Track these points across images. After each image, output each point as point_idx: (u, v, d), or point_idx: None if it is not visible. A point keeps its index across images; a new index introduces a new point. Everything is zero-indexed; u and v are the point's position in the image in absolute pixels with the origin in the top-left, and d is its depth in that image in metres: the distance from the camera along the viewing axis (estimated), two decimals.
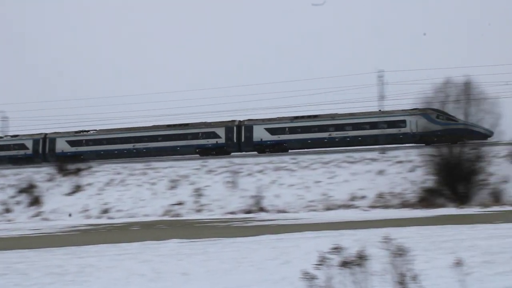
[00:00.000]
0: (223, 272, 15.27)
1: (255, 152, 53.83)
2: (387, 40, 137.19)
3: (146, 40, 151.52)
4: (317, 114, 53.98)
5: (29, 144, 59.91)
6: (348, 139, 51.89)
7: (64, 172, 49.74)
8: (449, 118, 49.37)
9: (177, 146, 55.68)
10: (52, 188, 47.78)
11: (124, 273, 15.50)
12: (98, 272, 16.02)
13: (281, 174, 44.12)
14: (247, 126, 55.27)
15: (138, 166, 50.33)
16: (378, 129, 50.72)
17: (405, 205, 37.78)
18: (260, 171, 45.01)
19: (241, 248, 19.93)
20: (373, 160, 44.03)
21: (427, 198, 37.81)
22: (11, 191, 47.99)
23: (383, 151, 46.18)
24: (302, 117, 54.49)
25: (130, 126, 58.41)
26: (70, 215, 43.30)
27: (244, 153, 54.52)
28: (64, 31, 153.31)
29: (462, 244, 18.75)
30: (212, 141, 55.26)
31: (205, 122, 56.66)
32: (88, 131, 59.75)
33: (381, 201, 38.80)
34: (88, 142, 58.46)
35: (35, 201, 45.70)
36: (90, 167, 50.65)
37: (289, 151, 52.50)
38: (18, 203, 46.14)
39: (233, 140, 55.25)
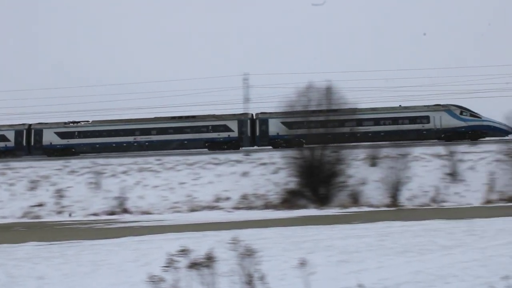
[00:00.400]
0: (81, 275, 14.74)
1: (270, 147, 51.30)
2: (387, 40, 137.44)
3: (145, 37, 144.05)
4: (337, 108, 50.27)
5: (10, 135, 54.62)
6: (370, 134, 50.17)
7: None
8: (472, 114, 51.00)
9: (185, 140, 52.09)
10: None
11: None
12: None
13: (146, 175, 43.35)
14: (262, 119, 52.68)
15: None
16: (401, 125, 50.15)
17: (268, 206, 38.26)
18: (124, 172, 43.96)
19: (101, 251, 19.41)
20: (238, 162, 44.30)
21: (290, 200, 38.49)
22: None
23: (247, 153, 46.64)
24: (320, 111, 51.76)
25: (129, 118, 54.25)
26: (70, 215, 39.31)
27: (258, 147, 51.99)
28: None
29: (321, 244, 19.27)
30: (224, 134, 52.51)
31: (214, 115, 53.61)
32: (79, 122, 55.62)
33: (245, 203, 39.06)
34: (81, 134, 54.13)
35: None
36: None
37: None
38: None
39: (247, 134, 52.88)
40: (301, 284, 10.00)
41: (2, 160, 49.36)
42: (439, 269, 13.77)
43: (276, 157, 42.82)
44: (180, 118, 53.23)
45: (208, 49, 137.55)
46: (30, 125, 55.20)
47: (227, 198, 39.52)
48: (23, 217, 38.47)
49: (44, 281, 14.15)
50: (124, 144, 52.79)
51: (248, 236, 22.23)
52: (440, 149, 42.05)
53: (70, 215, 38.89)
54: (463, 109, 50.95)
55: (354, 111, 48.20)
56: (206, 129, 52.43)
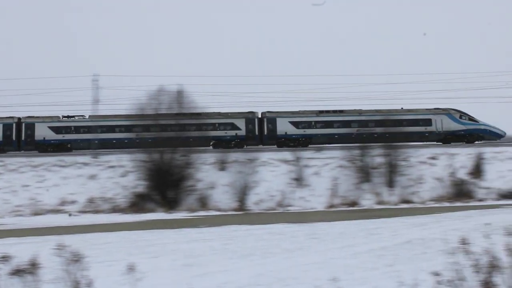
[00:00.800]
0: None
1: (275, 146, 50.64)
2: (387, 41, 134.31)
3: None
4: (342, 109, 52.53)
5: None
6: (376, 135, 47.75)
7: None
8: (471, 118, 52.37)
9: (190, 137, 46.51)
10: None
11: None
12: None
13: None
14: (269, 118, 51.94)
15: None
16: (405, 127, 49.50)
17: (116, 210, 37.47)
18: None
19: None
20: (85, 164, 42.94)
21: (138, 203, 37.93)
22: None
23: (95, 155, 45.33)
24: (327, 111, 52.46)
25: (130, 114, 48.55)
26: (70, 215, 36.91)
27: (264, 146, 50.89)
28: None
29: (167, 248, 19.09)
30: (231, 133, 50.99)
31: (220, 112, 51.81)
32: (74, 116, 51.56)
33: (92, 206, 37.99)
34: (79, 129, 50.30)
35: None
36: None
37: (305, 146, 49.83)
38: None
39: (255, 132, 51.63)
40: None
41: None
42: (280, 272, 14.03)
43: (125, 160, 41.97)
44: (184, 115, 48.41)
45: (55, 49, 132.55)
46: (19, 118, 50.84)
47: (73, 202, 38.30)
48: None
49: None
50: (126, 141, 48.95)
51: (91, 240, 21.66)
52: (287, 155, 43.18)
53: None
54: (462, 113, 52.72)
55: (360, 112, 51.37)
56: (213, 127, 50.71)
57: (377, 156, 42.19)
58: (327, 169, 41.96)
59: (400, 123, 49.61)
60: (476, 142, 51.31)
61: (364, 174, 40.97)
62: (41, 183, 40.47)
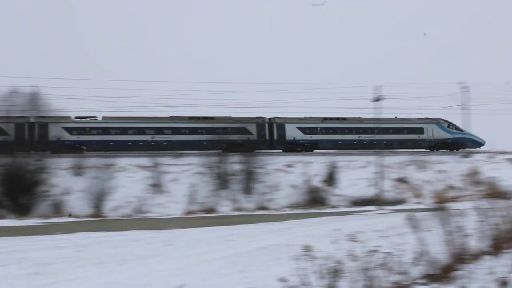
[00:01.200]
0: None
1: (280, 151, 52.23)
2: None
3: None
4: (344, 116, 55.19)
5: (10, 129, 45.91)
6: (375, 142, 52.16)
7: None
8: (457, 128, 57.25)
9: (204, 141, 49.48)
10: None
11: None
12: None
13: None
14: (279, 124, 53.64)
15: None
16: (401, 134, 54.99)
17: None
18: None
19: None
20: None
21: None
22: None
23: None
24: (331, 118, 54.89)
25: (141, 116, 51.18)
26: (70, 215, 36.36)
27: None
28: None
29: (15, 256, 18.22)
30: (244, 137, 51.66)
31: (231, 117, 52.51)
32: (86, 117, 50.24)
33: None
34: (93, 131, 48.92)
35: None
36: None
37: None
38: None
39: (266, 137, 53.08)
40: None
41: None
42: (133, 279, 13.84)
43: None
44: (198, 119, 52.26)
45: None
46: (30, 118, 47.28)
47: None
48: None
49: None
50: (141, 143, 49.69)
51: None
52: (145, 161, 42.76)
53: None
54: (449, 123, 57.24)
55: (361, 120, 54.46)
56: (225, 131, 51.18)
57: (234, 163, 42.85)
58: (186, 175, 42.04)
59: (397, 131, 54.99)
60: (461, 149, 56.28)
61: (222, 181, 41.51)
62: None
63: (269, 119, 54.32)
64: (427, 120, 57.67)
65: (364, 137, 54.67)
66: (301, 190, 42.25)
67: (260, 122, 53.76)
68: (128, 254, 18.33)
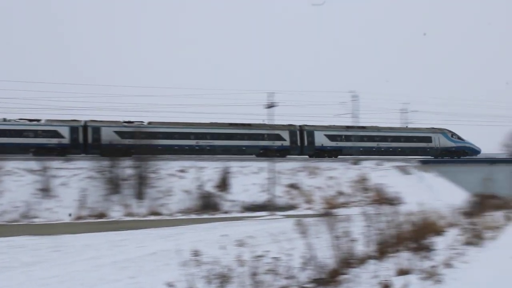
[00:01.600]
0: None
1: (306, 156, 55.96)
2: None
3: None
4: (364, 125, 58.79)
5: (65, 132, 48.21)
6: (391, 149, 58.84)
7: None
8: (459, 137, 61.81)
9: (243, 146, 53.83)
10: None
11: None
12: None
13: None
14: (308, 131, 56.77)
15: None
16: (413, 143, 59.85)
17: None
18: None
19: None
20: None
21: None
22: None
23: None
24: (353, 127, 57.86)
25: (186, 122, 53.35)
26: (70, 215, 36.95)
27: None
28: None
29: None
30: (278, 143, 55.37)
31: (266, 124, 53.40)
32: (134, 122, 51.24)
33: None
34: (142, 135, 49.10)
35: None
36: None
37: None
38: None
39: (297, 143, 56.05)
40: None
41: None
42: (16, 287, 13.41)
43: None
44: (237, 125, 54.78)
45: None
46: (86, 122, 50.01)
47: None
48: None
49: None
50: (186, 147, 52.23)
51: None
52: (33, 164, 41.33)
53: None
54: (452, 133, 61.80)
55: (379, 129, 59.33)
56: (262, 137, 54.77)
57: (127, 167, 42.25)
58: (76, 179, 41.00)
59: (409, 139, 60.32)
60: (462, 157, 61.37)
61: (114, 185, 40.83)
62: None
63: (300, 126, 57.41)
64: (434, 130, 62.26)
65: (382, 144, 59.20)
66: (194, 196, 42.21)
67: (292, 129, 56.77)
68: (12, 261, 17.72)
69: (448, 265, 13.00)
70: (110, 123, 50.44)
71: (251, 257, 9.25)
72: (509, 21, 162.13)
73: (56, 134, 48.03)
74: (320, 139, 57.25)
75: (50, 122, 48.62)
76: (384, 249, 13.97)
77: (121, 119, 50.69)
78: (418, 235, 15.40)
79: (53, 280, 14.10)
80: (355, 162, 53.59)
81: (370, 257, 13.15)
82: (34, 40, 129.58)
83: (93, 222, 35.94)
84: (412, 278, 11.02)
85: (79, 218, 37.18)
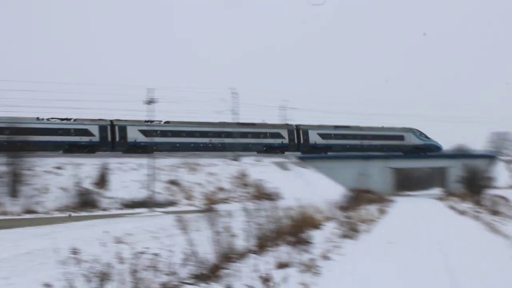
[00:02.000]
0: None
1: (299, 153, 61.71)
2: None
3: None
4: (348, 125, 65.66)
5: (94, 130, 51.88)
6: (372, 146, 65.84)
7: None
8: (426, 136, 68.57)
9: (249, 143, 58.33)
10: None
11: None
12: None
13: None
14: (304, 130, 62.78)
15: None
16: (389, 140, 66.73)
17: None
18: None
19: None
20: None
21: None
22: None
23: None
24: (339, 126, 64.82)
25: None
26: (70, 215, 36.52)
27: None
28: None
29: None
30: (278, 141, 61.03)
31: (266, 123, 61.55)
32: (153, 121, 52.47)
33: None
34: (162, 133, 54.42)
35: None
36: None
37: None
38: None
39: (295, 141, 61.96)
40: None
41: None
42: None
43: None
44: (243, 125, 58.58)
45: None
46: (112, 121, 53.87)
47: None
48: None
49: None
50: (201, 145, 56.57)
51: None
52: None
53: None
54: (420, 132, 68.65)
55: (361, 128, 66.05)
56: (265, 135, 60.64)
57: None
58: None
59: (387, 137, 66.77)
60: (427, 153, 69.16)
61: None
62: None
63: (296, 125, 63.32)
64: (405, 129, 68.64)
65: (365, 142, 65.27)
66: (72, 193, 41.13)
67: (290, 128, 62.85)
68: None
69: (325, 257, 13.51)
70: (134, 122, 53.98)
71: (131, 254, 9.17)
72: (509, 21, 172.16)
73: (86, 133, 50.59)
74: (314, 137, 63.06)
75: (81, 121, 51.28)
76: (264, 244, 14.28)
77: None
78: (297, 229, 15.88)
79: None
80: (235, 158, 54.24)
81: (250, 252, 13.40)
82: None
83: None
84: (291, 271, 11.35)
85: None
